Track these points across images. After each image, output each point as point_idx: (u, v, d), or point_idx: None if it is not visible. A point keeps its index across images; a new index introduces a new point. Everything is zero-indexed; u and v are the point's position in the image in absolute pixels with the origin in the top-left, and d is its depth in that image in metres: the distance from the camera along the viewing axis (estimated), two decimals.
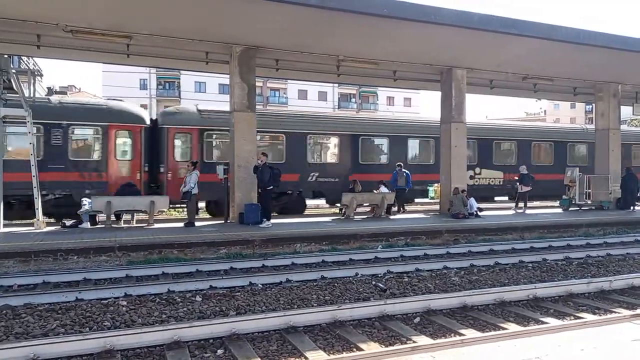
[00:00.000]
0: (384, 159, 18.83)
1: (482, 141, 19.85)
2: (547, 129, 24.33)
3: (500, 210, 18.11)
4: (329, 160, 18.04)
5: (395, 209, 16.53)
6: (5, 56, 12.15)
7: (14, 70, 12.02)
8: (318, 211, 19.72)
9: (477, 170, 19.79)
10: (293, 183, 16.64)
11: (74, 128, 14.79)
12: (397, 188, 16.60)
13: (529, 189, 17.44)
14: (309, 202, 18.99)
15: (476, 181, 19.54)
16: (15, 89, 11.90)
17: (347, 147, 18.03)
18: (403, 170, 16.81)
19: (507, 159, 20.61)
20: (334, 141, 18.10)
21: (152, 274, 8.14)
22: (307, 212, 18.24)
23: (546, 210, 18.58)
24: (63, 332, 5.14)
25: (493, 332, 5.02)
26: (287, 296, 6.62)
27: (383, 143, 18.98)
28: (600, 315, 5.78)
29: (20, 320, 5.49)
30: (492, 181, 20.13)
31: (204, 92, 49.95)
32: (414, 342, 4.76)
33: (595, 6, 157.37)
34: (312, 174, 17.25)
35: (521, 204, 17.62)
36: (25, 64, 14.23)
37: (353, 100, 59.07)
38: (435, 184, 17.30)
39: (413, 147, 19.33)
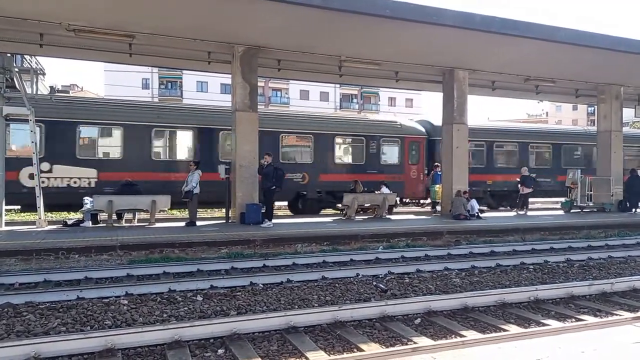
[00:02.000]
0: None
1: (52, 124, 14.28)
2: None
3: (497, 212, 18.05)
4: None
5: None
6: (9, 55, 12.21)
7: (16, 69, 12.05)
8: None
9: (47, 166, 13.88)
10: None
11: None
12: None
13: (530, 190, 17.44)
14: None
15: (45, 183, 13.64)
16: (18, 87, 11.94)
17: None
18: (437, 171, 17.32)
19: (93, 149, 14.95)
20: None
21: (153, 273, 8.15)
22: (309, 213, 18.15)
23: (547, 212, 18.54)
24: (64, 331, 5.15)
25: (494, 334, 5.02)
26: (288, 296, 6.62)
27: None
28: (602, 318, 5.76)
29: (22, 319, 5.50)
30: (76, 182, 14.32)
31: (206, 91, 50.05)
32: (415, 343, 4.75)
33: (590, 6, 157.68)
34: None
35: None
36: (28, 63, 14.26)
37: (355, 100, 59.06)
38: (437, 185, 17.29)
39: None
